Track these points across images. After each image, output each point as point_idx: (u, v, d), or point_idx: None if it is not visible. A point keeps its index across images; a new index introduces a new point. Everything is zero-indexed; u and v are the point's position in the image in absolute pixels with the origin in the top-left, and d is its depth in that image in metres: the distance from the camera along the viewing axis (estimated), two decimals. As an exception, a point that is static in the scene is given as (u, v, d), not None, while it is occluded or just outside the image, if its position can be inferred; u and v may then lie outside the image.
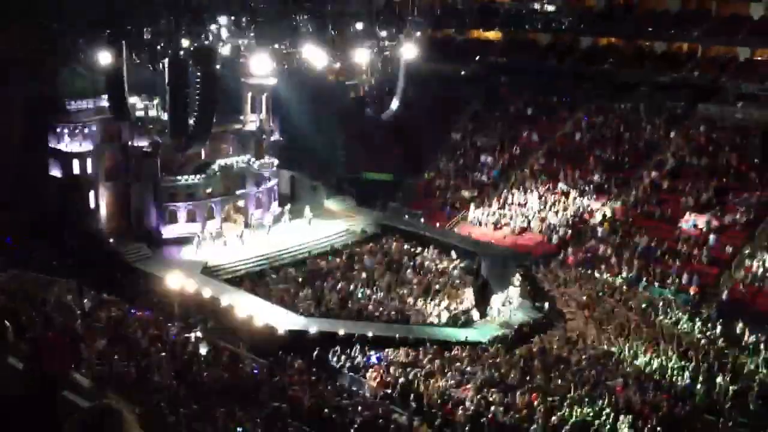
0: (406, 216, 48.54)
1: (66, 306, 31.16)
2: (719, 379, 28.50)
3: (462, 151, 54.90)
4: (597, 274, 39.15)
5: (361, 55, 45.05)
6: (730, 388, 27.89)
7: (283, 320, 33.98)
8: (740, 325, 33.22)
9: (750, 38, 49.89)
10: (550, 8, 61.88)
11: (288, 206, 47.42)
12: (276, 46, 44.39)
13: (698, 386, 28.15)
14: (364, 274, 39.16)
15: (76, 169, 42.71)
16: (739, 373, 29.24)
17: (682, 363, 29.85)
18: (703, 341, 31.86)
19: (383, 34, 47.35)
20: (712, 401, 27.62)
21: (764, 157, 43.57)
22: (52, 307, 30.17)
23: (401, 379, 27.80)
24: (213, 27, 43.72)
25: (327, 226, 46.57)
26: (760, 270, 36.51)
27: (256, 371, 26.95)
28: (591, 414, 25.02)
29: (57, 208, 41.60)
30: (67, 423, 4.01)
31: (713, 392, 28.00)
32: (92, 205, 43.34)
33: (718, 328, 33.29)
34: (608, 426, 24.50)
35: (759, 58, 50.52)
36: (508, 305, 36.53)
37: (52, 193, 42.57)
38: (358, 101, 51.67)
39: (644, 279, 38.20)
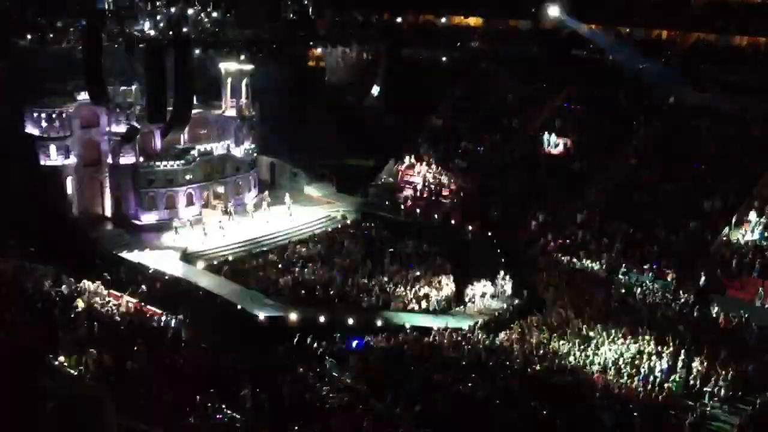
0: (387, 202, 48.54)
1: (44, 293, 30.99)
2: (696, 365, 28.80)
3: (443, 138, 54.82)
4: (576, 261, 39.37)
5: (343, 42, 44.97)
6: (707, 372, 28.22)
7: (263, 307, 33.95)
8: (716, 310, 33.62)
9: (729, 25, 50.00)
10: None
11: (267, 192, 47.29)
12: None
13: (675, 372, 28.41)
14: (344, 261, 39.15)
15: (53, 155, 42.30)
16: (716, 358, 29.52)
17: (659, 348, 30.13)
18: (680, 327, 32.12)
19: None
20: (689, 386, 27.90)
21: (742, 145, 43.86)
22: (31, 294, 30.00)
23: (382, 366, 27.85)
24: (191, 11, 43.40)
25: (307, 212, 46.51)
26: (736, 256, 36.87)
27: (235, 358, 26.89)
28: (570, 400, 25.20)
29: (34, 194, 41.13)
30: (48, 408, 3.98)
31: (690, 377, 28.29)
32: (70, 191, 42.97)
33: (695, 314, 33.66)
34: (587, 412, 24.69)
35: (737, 45, 50.67)
36: (489, 291, 36.69)
37: (29, 180, 42.08)
38: (339, 87, 51.54)
39: (623, 265, 38.38)
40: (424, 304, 35.55)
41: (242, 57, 44.94)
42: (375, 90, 45.65)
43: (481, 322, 33.90)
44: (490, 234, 43.09)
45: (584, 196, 44.86)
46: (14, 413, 4.57)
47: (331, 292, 35.71)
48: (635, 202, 42.98)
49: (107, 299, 31.83)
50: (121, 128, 43.06)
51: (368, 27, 49.11)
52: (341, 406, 23.18)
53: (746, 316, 32.81)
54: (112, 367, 23.27)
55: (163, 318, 31.05)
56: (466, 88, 57.72)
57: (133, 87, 43.93)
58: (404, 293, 36.10)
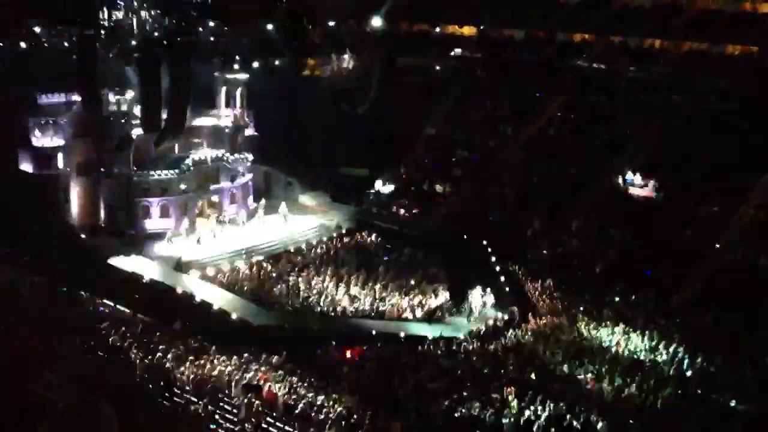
0: (383, 211, 48.57)
1: (38, 302, 30.89)
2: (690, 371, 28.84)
3: (438, 146, 54.91)
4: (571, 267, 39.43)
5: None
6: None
7: (257, 316, 33.90)
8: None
9: (722, 34, 50.15)
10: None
11: (262, 201, 47.31)
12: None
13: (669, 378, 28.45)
14: (339, 270, 39.11)
15: (47, 163, 42.25)
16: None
17: (654, 354, 30.17)
18: (674, 331, 32.14)
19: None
20: (684, 390, 27.87)
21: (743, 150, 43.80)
22: (24, 304, 29.89)
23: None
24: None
25: (302, 221, 46.51)
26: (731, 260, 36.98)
27: (230, 368, 26.80)
28: (564, 408, 25.15)
29: (28, 203, 41.04)
30: (48, 419, 3.96)
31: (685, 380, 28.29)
32: (64, 200, 42.91)
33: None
34: (581, 420, 24.64)
35: (730, 53, 50.80)
36: (483, 300, 36.67)
37: (23, 189, 42.00)
38: (334, 96, 51.45)
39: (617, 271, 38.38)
40: (418, 313, 35.52)
41: (237, 66, 45.02)
42: (369, 99, 45.56)
43: (476, 330, 33.91)
44: (485, 242, 43.06)
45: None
46: (14, 427, 4.54)
47: (325, 301, 35.66)
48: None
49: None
50: (115, 137, 43.04)
51: (362, 35, 49.04)
52: (335, 416, 23.12)
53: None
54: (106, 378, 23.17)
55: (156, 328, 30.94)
56: (460, 96, 57.79)
57: (128, 96, 43.94)
58: (399, 302, 36.07)
